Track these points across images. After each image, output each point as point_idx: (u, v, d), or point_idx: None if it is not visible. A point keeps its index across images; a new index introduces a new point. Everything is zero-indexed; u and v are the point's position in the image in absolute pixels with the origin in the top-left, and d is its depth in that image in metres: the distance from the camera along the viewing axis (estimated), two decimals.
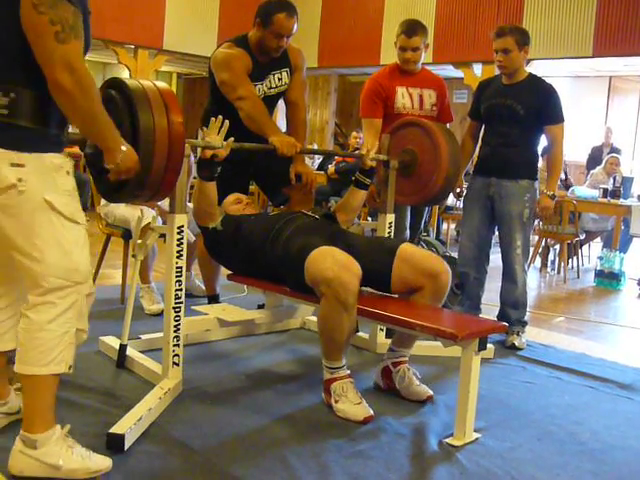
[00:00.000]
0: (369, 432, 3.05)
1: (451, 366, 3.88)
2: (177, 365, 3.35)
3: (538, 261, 8.33)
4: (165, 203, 4.36)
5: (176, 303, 3.31)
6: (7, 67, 2.25)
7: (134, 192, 2.84)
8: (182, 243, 3.28)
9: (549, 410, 3.48)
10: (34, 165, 2.27)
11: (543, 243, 8.22)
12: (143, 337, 3.96)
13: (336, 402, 3.21)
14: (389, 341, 3.81)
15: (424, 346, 3.96)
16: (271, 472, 2.62)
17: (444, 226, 10.27)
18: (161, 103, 2.75)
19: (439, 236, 9.92)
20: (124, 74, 11.35)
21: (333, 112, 13.89)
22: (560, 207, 7.53)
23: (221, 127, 3.37)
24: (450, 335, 2.88)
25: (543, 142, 4.71)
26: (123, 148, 2.44)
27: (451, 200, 8.97)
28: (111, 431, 2.70)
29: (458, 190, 4.97)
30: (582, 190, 8.47)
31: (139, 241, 3.73)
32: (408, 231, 4.78)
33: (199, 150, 3.43)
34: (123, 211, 4.80)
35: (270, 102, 4.38)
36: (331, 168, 9.77)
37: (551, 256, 8.53)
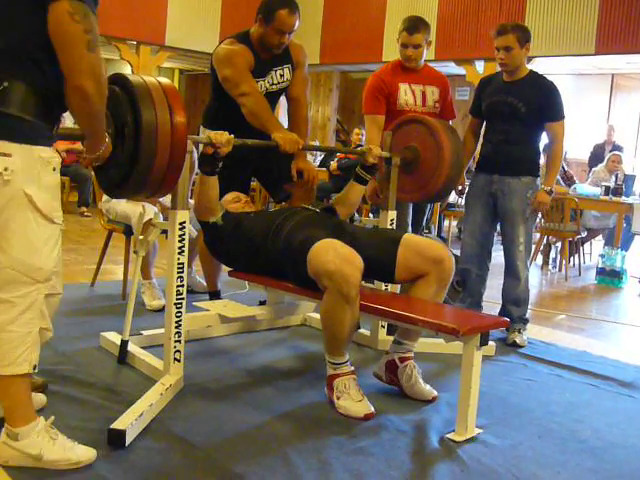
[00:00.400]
0: (370, 429, 3.05)
1: (452, 363, 3.88)
2: (178, 361, 3.35)
3: (540, 259, 8.33)
4: (167, 199, 4.37)
5: (177, 299, 3.31)
6: (5, 59, 2.26)
7: (136, 188, 2.83)
8: (184, 239, 3.28)
9: (550, 408, 3.48)
10: (21, 156, 2.26)
11: (545, 240, 8.21)
12: (144, 333, 3.96)
13: (338, 399, 3.21)
14: (390, 338, 3.81)
15: (425, 343, 3.97)
16: (272, 468, 2.62)
17: (445, 223, 10.26)
18: (164, 100, 2.75)
19: (440, 233, 9.93)
20: (126, 70, 11.35)
21: (335, 109, 13.89)
22: (562, 204, 7.53)
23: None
24: (452, 330, 2.88)
25: (544, 138, 4.70)
26: (107, 140, 2.54)
27: (453, 197, 8.96)
28: (112, 427, 2.70)
29: (460, 187, 4.96)
30: (584, 188, 8.47)
31: (141, 237, 3.73)
32: (410, 228, 4.77)
33: (201, 146, 3.43)
34: (125, 207, 4.80)
35: (272, 98, 4.37)
36: (333, 164, 9.78)
37: (552, 254, 8.52)
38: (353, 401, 3.18)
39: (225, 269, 4.19)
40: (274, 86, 4.36)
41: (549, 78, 4.57)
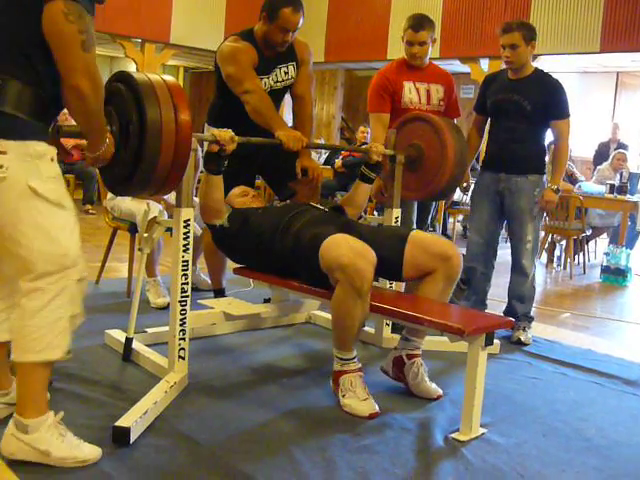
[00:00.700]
0: (374, 427, 3.04)
1: (457, 361, 3.88)
2: (183, 359, 3.35)
3: (544, 257, 8.31)
4: (171, 197, 4.37)
5: (182, 297, 3.31)
6: (0, 58, 2.28)
7: (140, 186, 2.84)
8: (188, 237, 3.28)
9: (555, 406, 3.48)
10: (17, 152, 2.28)
11: (549, 239, 8.20)
12: (149, 330, 3.97)
13: (343, 396, 3.21)
14: (395, 335, 3.82)
15: (430, 341, 3.96)
16: (276, 466, 2.62)
17: (450, 221, 10.25)
18: (169, 98, 2.75)
19: (445, 231, 9.93)
20: (131, 68, 11.36)
21: (340, 107, 13.90)
22: (567, 203, 7.52)
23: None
24: (457, 330, 2.88)
25: (549, 135, 4.69)
26: (107, 141, 2.54)
27: (457, 195, 8.96)
28: (117, 424, 2.71)
29: (465, 184, 4.96)
30: (589, 186, 8.46)
31: (145, 235, 3.73)
32: (415, 226, 4.77)
33: (206, 144, 3.43)
34: (129, 205, 4.81)
35: (276, 96, 4.36)
36: (338, 162, 9.78)
37: (557, 252, 8.50)
38: (358, 400, 3.17)
39: (230, 267, 4.19)
40: (278, 83, 4.36)
41: (554, 76, 4.56)
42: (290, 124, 4.28)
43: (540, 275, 7.57)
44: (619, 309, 6.32)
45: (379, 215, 5.72)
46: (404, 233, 3.53)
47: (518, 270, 4.63)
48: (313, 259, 3.21)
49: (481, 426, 3.07)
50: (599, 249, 9.16)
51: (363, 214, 4.39)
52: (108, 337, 3.91)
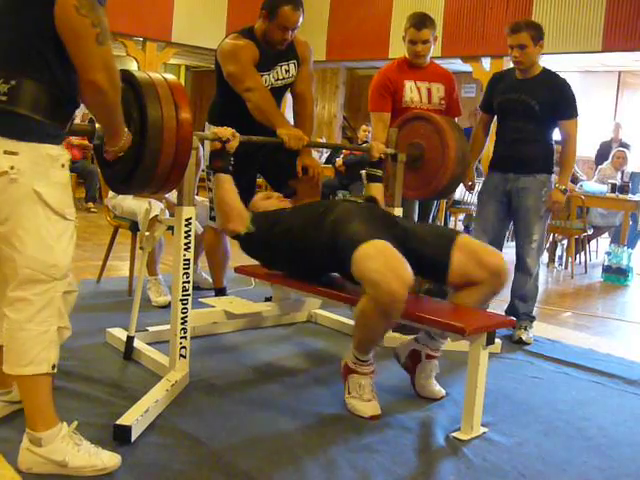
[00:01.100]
0: (376, 426, 3.04)
1: (458, 360, 3.87)
2: (184, 357, 3.35)
3: (545, 256, 8.30)
4: (173, 196, 4.36)
5: (183, 295, 3.31)
6: (14, 57, 2.25)
7: (142, 184, 2.83)
8: (190, 235, 3.28)
9: (556, 405, 3.48)
10: (28, 154, 2.25)
11: (551, 238, 8.20)
12: (150, 329, 3.97)
13: (349, 394, 3.19)
14: (397, 335, 3.82)
15: None
16: (277, 464, 2.62)
17: (451, 220, 10.24)
18: (170, 96, 2.75)
19: None
20: (132, 66, 11.36)
21: (341, 105, 13.88)
22: (568, 202, 7.51)
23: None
24: (459, 329, 2.87)
25: (556, 134, 4.68)
26: (126, 132, 2.54)
27: (459, 194, 8.95)
28: (118, 422, 2.71)
29: (470, 183, 4.95)
30: (590, 185, 8.46)
31: (147, 233, 3.73)
32: None
33: (208, 143, 3.43)
34: (131, 203, 4.81)
35: (277, 94, 4.36)
36: (339, 161, 9.78)
37: (559, 251, 8.50)
38: (362, 400, 3.16)
39: (231, 266, 4.18)
40: (279, 81, 4.35)
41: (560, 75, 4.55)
42: (291, 123, 4.28)
43: (541, 274, 7.49)
44: (620, 308, 6.31)
45: None
46: (451, 234, 3.36)
47: (522, 269, 4.63)
48: (347, 262, 3.00)
49: (482, 425, 3.06)
50: (600, 248, 9.15)
51: None
52: (109, 335, 3.91)
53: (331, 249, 3.18)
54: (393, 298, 2.83)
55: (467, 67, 10.59)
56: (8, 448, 2.53)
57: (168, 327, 3.47)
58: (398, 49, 9.29)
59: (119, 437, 2.68)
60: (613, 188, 7.93)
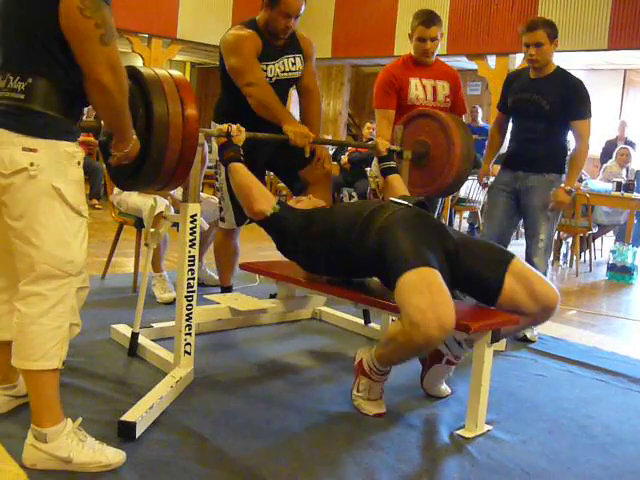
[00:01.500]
0: (380, 423, 3.04)
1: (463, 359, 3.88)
2: (189, 354, 3.36)
3: (550, 254, 8.29)
4: (178, 192, 4.38)
5: (188, 292, 3.31)
6: (27, 56, 2.27)
7: (147, 181, 2.84)
8: (195, 232, 3.29)
9: (560, 403, 3.47)
10: (47, 151, 2.27)
11: (556, 236, 8.19)
12: (155, 325, 3.97)
13: (357, 392, 3.16)
14: None
15: None
16: (281, 461, 2.62)
17: (456, 218, 10.24)
18: (176, 92, 2.75)
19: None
20: (138, 63, 11.37)
21: (346, 103, 13.90)
22: (573, 200, 7.50)
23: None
24: (463, 327, 2.86)
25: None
26: (134, 138, 2.51)
27: (464, 192, 8.96)
28: (122, 419, 2.71)
29: (485, 180, 4.94)
30: (595, 183, 8.45)
31: (152, 230, 3.73)
32: None
33: (213, 140, 3.43)
34: (136, 200, 4.81)
35: (282, 87, 4.31)
36: (344, 158, 9.78)
37: (564, 249, 8.50)
38: (369, 400, 3.14)
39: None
40: (285, 73, 4.29)
41: (574, 75, 4.53)
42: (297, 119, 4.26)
43: (547, 272, 7.55)
44: (625, 307, 6.31)
45: None
46: (505, 257, 3.18)
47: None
48: (391, 281, 2.88)
49: (486, 423, 3.06)
50: (605, 247, 9.15)
51: None
52: (114, 332, 3.92)
53: (376, 257, 3.05)
54: (428, 343, 2.73)
55: (472, 65, 10.60)
56: (12, 444, 2.53)
57: (173, 324, 3.47)
58: (403, 46, 9.29)
59: (123, 433, 2.68)
60: (618, 186, 7.91)
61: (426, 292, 2.73)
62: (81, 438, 2.46)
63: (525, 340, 4.48)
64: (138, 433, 2.70)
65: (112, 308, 4.47)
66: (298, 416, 3.07)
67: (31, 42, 2.25)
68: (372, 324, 4.31)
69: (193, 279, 3.31)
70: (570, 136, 4.62)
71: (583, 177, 8.91)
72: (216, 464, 2.57)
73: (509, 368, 3.95)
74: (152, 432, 2.77)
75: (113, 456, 2.48)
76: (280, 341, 4.18)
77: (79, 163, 2.39)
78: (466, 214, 10.46)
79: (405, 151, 4.20)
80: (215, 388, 3.32)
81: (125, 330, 3.83)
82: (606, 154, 10.57)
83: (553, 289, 3.14)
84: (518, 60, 9.72)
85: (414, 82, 4.60)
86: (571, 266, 7.96)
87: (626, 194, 7.78)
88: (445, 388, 3.42)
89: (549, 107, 4.41)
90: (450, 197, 8.45)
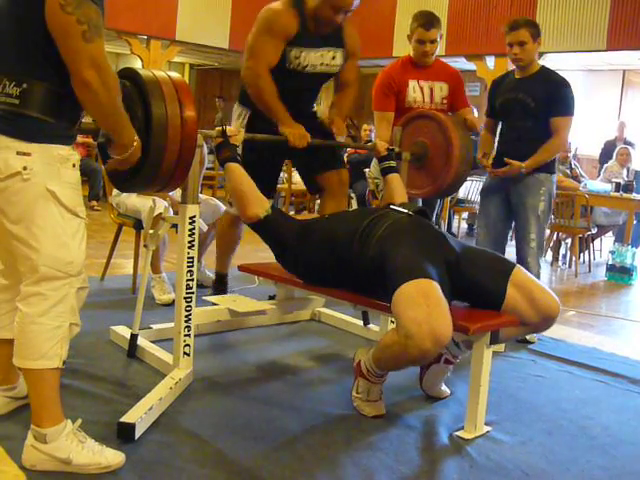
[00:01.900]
0: (379, 424, 3.04)
1: (461, 359, 3.87)
2: (188, 355, 3.36)
3: (549, 255, 8.30)
4: (177, 194, 4.38)
5: (187, 293, 3.31)
6: (22, 59, 2.27)
7: (146, 182, 2.84)
8: (194, 233, 3.28)
9: (560, 404, 3.47)
10: (40, 155, 2.28)
11: (555, 237, 8.20)
12: (154, 327, 3.97)
13: (357, 393, 3.16)
14: None
15: None
16: (281, 463, 2.62)
17: (455, 219, 10.24)
18: (174, 94, 2.75)
19: (450, 229, 9.92)
20: (137, 64, 11.37)
21: None
22: (572, 201, 7.52)
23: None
24: (462, 328, 2.86)
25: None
26: (135, 144, 2.48)
27: (463, 193, 8.97)
28: (122, 420, 2.71)
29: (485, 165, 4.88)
30: (594, 184, 8.45)
31: (151, 231, 3.73)
32: None
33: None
34: (135, 201, 4.81)
35: (315, 80, 4.19)
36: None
37: (563, 250, 8.51)
38: (368, 401, 3.14)
39: (234, 264, 4.18)
40: (323, 66, 4.11)
41: (560, 74, 4.55)
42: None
43: (545, 273, 7.56)
44: (624, 307, 6.31)
45: None
46: (507, 267, 3.15)
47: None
48: (389, 291, 2.84)
49: (486, 424, 3.06)
50: (604, 247, 9.16)
51: None
52: (113, 333, 3.92)
53: (376, 268, 3.02)
54: (423, 355, 2.70)
55: (471, 66, 10.59)
56: (12, 445, 2.53)
57: (172, 325, 3.47)
58: (402, 47, 9.29)
59: (123, 435, 2.68)
60: (617, 187, 7.92)
61: (423, 304, 2.70)
62: (81, 439, 2.46)
63: (524, 341, 4.47)
64: (137, 434, 2.70)
65: (111, 309, 4.47)
66: (297, 417, 3.07)
67: (25, 45, 2.25)
68: (371, 325, 4.31)
69: (192, 280, 3.31)
70: None
71: (580, 179, 8.93)
72: (215, 465, 2.57)
73: (508, 369, 3.95)
74: (151, 433, 2.77)
75: (112, 457, 2.48)
76: (279, 342, 4.18)
77: (74, 165, 2.39)
78: (465, 215, 10.47)
79: (404, 152, 4.20)
80: (214, 389, 3.32)
81: (124, 331, 3.83)
82: (605, 154, 10.58)
83: (554, 299, 3.13)
84: None
85: (412, 84, 4.60)
86: (570, 267, 7.96)
87: (625, 195, 7.79)
88: (445, 389, 3.42)
89: (534, 104, 4.44)
90: (449, 198, 8.48)
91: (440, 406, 3.32)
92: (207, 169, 4.99)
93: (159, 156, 2.69)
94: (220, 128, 3.44)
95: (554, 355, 4.29)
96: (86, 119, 2.51)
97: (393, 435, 2.95)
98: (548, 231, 7.93)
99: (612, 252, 7.46)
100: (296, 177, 9.40)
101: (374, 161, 4.63)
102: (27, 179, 2.26)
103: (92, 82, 2.21)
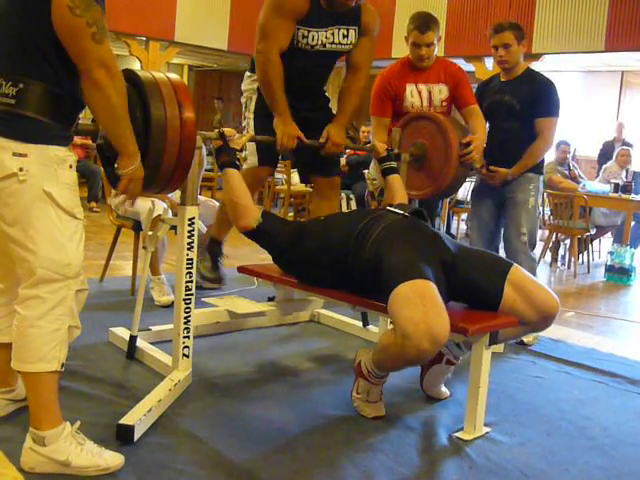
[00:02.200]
0: (379, 425, 3.04)
1: (462, 360, 3.88)
2: (187, 357, 3.36)
3: (548, 256, 8.30)
4: (176, 195, 4.37)
5: (186, 295, 3.31)
6: (19, 59, 2.27)
7: (145, 184, 2.83)
8: (193, 235, 3.28)
9: (559, 405, 3.48)
10: (37, 156, 2.27)
11: (553, 238, 8.20)
12: (153, 328, 3.97)
13: (357, 393, 3.15)
14: None
15: None
16: (280, 464, 2.63)
17: (454, 220, 10.24)
18: (173, 95, 2.75)
19: (449, 230, 9.93)
20: (135, 66, 11.37)
21: None
22: (571, 202, 7.53)
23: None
24: (461, 329, 2.86)
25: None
26: (138, 158, 2.48)
27: (462, 194, 8.97)
28: (121, 422, 2.71)
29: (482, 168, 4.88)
30: (593, 185, 8.46)
31: (150, 233, 3.73)
32: None
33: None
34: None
35: (325, 58, 4.11)
36: (342, 160, 9.77)
37: (561, 251, 8.51)
38: (368, 402, 3.13)
39: (234, 264, 4.17)
40: (333, 45, 4.00)
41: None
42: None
43: (544, 274, 7.57)
44: (623, 308, 6.31)
45: None
46: (503, 266, 3.14)
47: None
48: (385, 292, 2.83)
49: (485, 425, 3.07)
50: (603, 248, 9.15)
51: None
52: (112, 335, 3.91)
53: (372, 270, 3.01)
54: (420, 355, 2.69)
55: (470, 67, 10.58)
56: (11, 448, 2.53)
57: (171, 326, 3.47)
58: (401, 48, 9.25)
59: (122, 437, 2.68)
60: (616, 188, 7.93)
61: (419, 304, 2.69)
62: (79, 441, 2.45)
63: (523, 342, 4.47)
64: (136, 436, 2.70)
65: (110, 311, 4.47)
66: (297, 418, 3.07)
67: (24, 45, 2.25)
68: (370, 326, 4.31)
69: (191, 282, 3.31)
70: None
71: (579, 180, 8.93)
72: (214, 467, 2.57)
73: (507, 370, 3.95)
74: (150, 435, 2.77)
75: (111, 459, 2.48)
76: (278, 344, 4.17)
77: (71, 167, 2.38)
78: (464, 216, 10.46)
79: (403, 154, 4.20)
80: (213, 391, 3.32)
81: (123, 333, 3.83)
82: (604, 155, 10.58)
83: (553, 296, 3.13)
84: None
85: (410, 89, 4.54)
86: (569, 268, 7.96)
87: (624, 195, 7.79)
88: (445, 390, 3.42)
89: (519, 106, 4.49)
90: (448, 199, 8.47)
91: (439, 407, 3.32)
92: (206, 170, 4.99)
93: (158, 158, 2.69)
94: (217, 130, 3.44)
95: (553, 356, 4.30)
96: (83, 120, 2.51)
97: (393, 436, 2.95)
98: (547, 232, 7.94)
99: (611, 253, 7.46)
100: (295, 179, 9.41)
101: (373, 162, 4.62)
102: (23, 180, 2.25)
103: (102, 81, 2.23)
